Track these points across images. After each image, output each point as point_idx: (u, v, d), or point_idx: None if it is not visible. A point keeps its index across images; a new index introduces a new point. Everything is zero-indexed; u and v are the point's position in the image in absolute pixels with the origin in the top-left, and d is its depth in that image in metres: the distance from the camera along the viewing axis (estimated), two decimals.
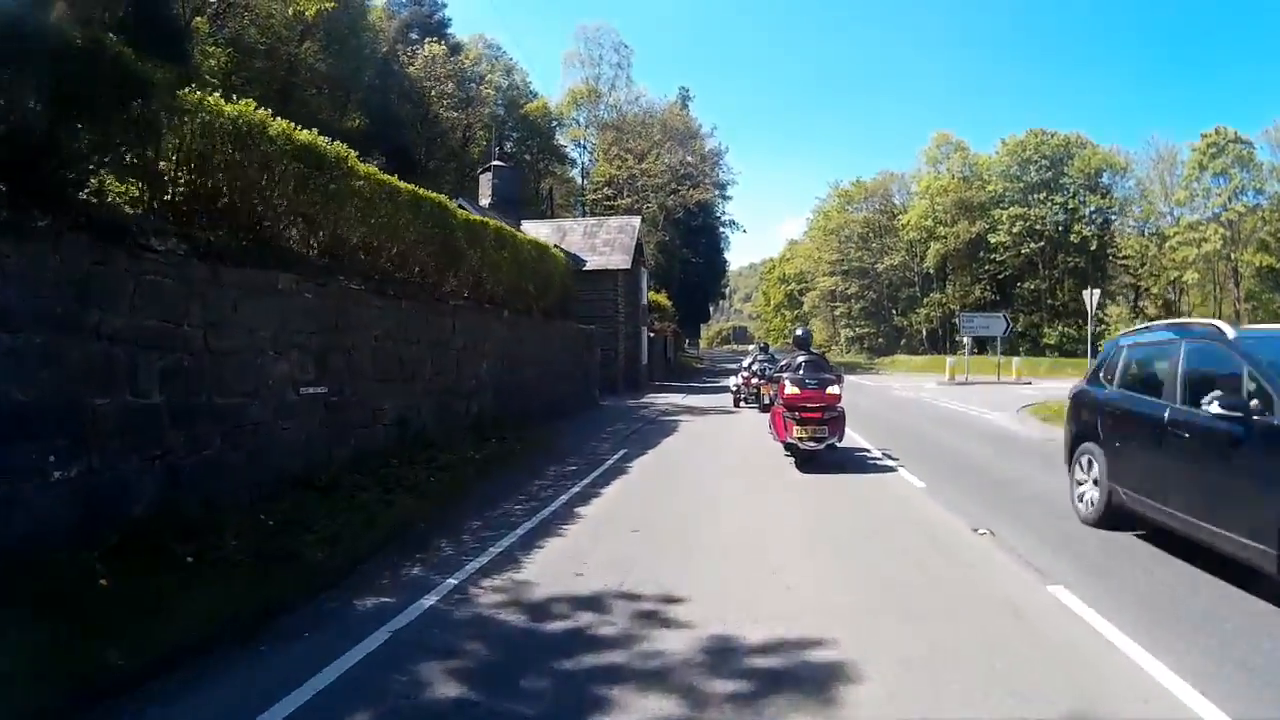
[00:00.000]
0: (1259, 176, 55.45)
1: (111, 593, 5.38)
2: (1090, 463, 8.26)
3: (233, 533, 6.93)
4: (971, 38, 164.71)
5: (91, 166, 6.70)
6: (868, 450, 14.19)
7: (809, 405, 11.90)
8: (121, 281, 6.69)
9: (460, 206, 16.64)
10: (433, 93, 47.78)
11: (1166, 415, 6.81)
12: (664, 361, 46.40)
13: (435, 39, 49.36)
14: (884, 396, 30.04)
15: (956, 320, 68.30)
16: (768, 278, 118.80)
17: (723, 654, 4.91)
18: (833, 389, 12.15)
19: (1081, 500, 8.44)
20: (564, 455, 13.82)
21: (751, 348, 29.08)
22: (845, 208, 77.60)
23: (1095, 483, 8.10)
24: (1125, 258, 60.09)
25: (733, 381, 26.09)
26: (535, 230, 35.31)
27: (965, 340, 40.37)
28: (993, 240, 64.30)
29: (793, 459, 12.40)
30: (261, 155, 8.78)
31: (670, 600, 5.90)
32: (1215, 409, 5.90)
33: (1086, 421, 8.64)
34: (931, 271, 69.20)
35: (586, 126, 61.77)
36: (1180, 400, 6.79)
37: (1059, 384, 36.86)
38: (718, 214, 64.46)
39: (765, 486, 10.91)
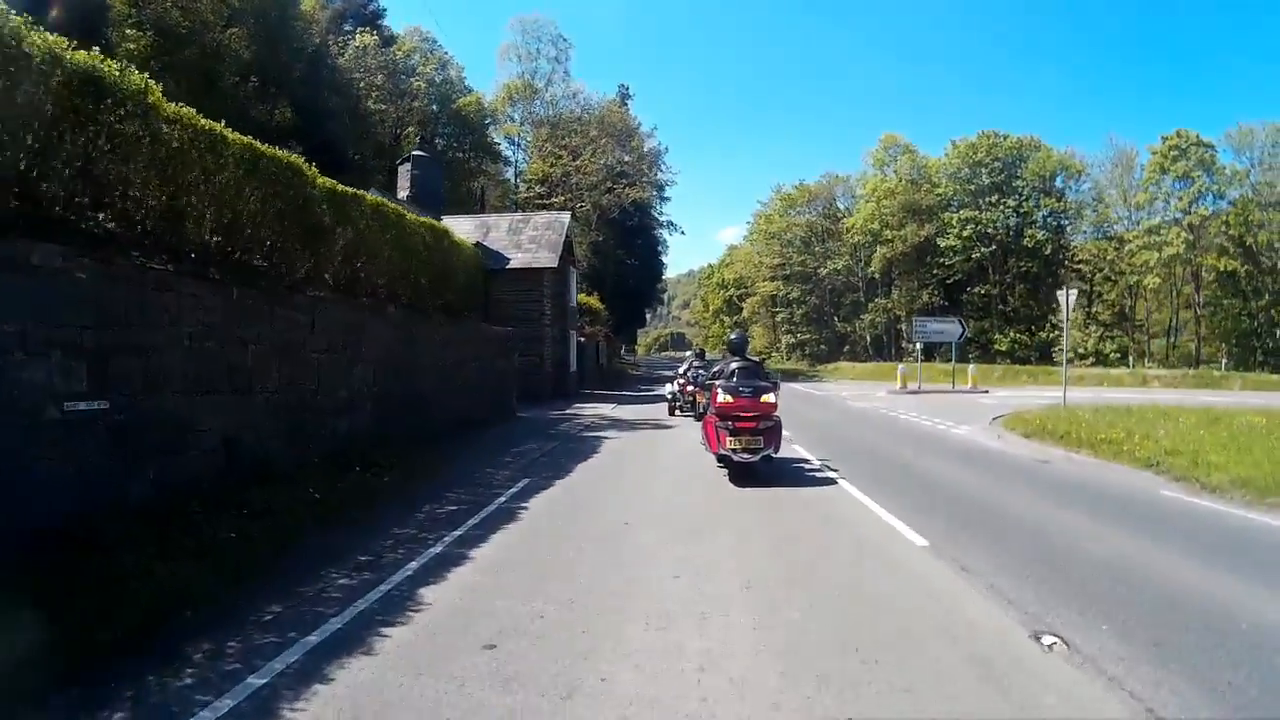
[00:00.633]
0: (1220, 180, 54.39)
1: None
2: None
3: None
4: (920, 41, 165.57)
5: None
6: (833, 479, 11.55)
7: (743, 414, 11.22)
8: None
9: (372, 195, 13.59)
10: (361, 84, 45.40)
11: None
12: (597, 368, 43.51)
13: (368, 29, 47.01)
14: (835, 407, 27.41)
15: (903, 326, 67.46)
16: (706, 283, 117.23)
17: None
18: (768, 397, 11.48)
19: None
20: (447, 489, 10.72)
21: (687, 354, 26.74)
22: (788, 211, 75.33)
23: None
24: (1081, 262, 58.59)
25: (668, 389, 24.65)
26: (457, 225, 32.41)
27: (917, 347, 37.99)
28: (942, 244, 62.38)
29: (727, 472, 11.54)
30: None
31: None
32: None
33: None
34: (877, 276, 67.06)
35: (522, 123, 58.69)
36: None
37: (1017, 393, 35.01)
38: (655, 215, 61.77)
39: (701, 535, 8.10)
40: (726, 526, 8.46)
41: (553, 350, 31.38)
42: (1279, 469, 10.60)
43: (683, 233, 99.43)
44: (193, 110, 8.93)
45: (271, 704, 4.28)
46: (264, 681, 4.53)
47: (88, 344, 7.22)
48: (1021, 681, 4.55)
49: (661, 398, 26.04)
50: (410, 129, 49.26)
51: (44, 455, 6.70)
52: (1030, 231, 61.21)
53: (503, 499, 10.01)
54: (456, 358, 17.72)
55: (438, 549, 7.55)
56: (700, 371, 20.46)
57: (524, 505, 9.65)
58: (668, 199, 63.07)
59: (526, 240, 32.03)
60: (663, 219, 63.22)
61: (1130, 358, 56.04)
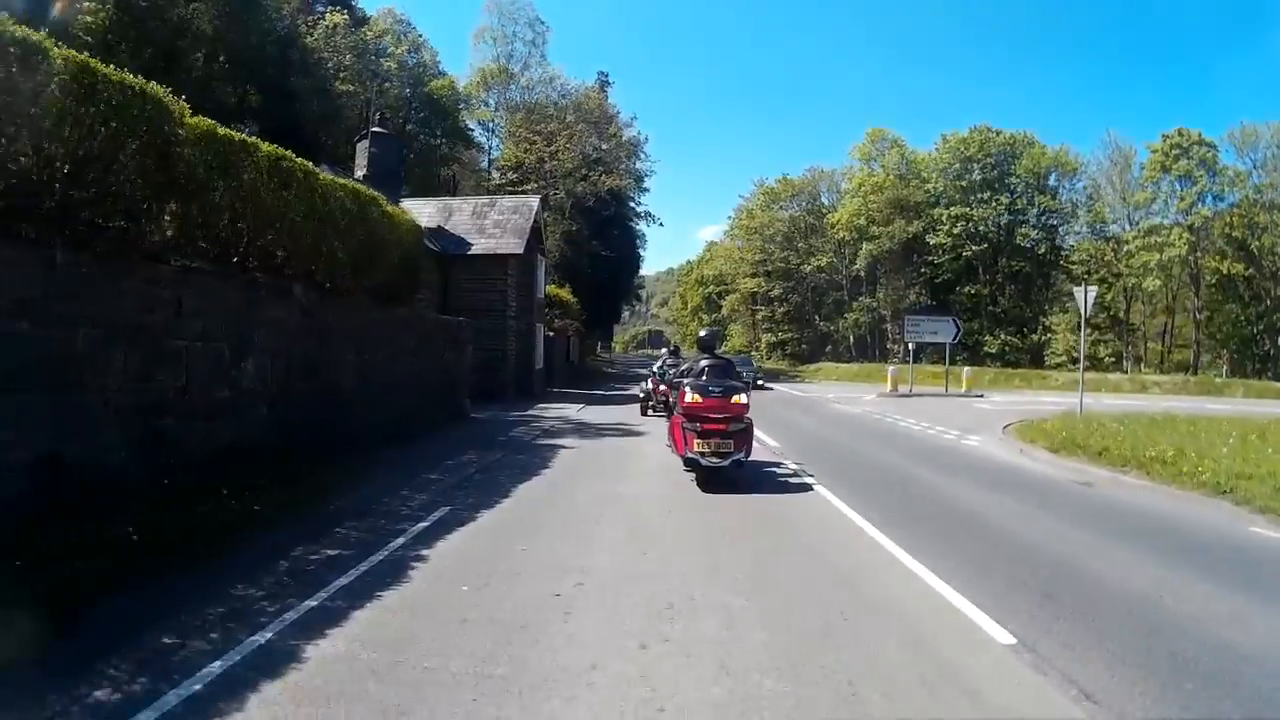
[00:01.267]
0: (1222, 180, 52.25)
1: None
2: None
3: None
4: (909, 36, 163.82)
5: None
6: (848, 517, 8.97)
7: (712, 415, 10.52)
8: None
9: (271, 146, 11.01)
10: (330, 65, 43.04)
11: None
12: (567, 365, 41.07)
13: (339, 8, 44.73)
14: (823, 412, 25.00)
15: (888, 326, 65.36)
16: (685, 280, 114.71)
17: None
18: (739, 397, 10.79)
19: None
20: (337, 522, 8.10)
21: (662, 351, 24.76)
22: (770, 205, 72.80)
23: None
24: (1076, 262, 56.45)
25: (640, 389, 23.68)
26: (418, 209, 30.14)
27: (910, 346, 35.54)
28: (931, 241, 60.01)
29: (694, 478, 10.75)
30: None
31: None
32: None
33: None
34: (862, 274, 64.51)
35: (496, 109, 56.04)
36: None
37: (1015, 398, 32.79)
38: (633, 205, 59.05)
39: (673, 616, 5.46)
40: (711, 604, 5.78)
41: (517, 345, 28.98)
42: None
43: (661, 224, 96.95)
44: None
45: None
46: None
47: None
48: None
49: (635, 397, 24.30)
50: (381, 113, 46.78)
51: None
52: (1023, 230, 59.06)
53: (402, 540, 7.43)
54: (390, 351, 15.14)
55: (267, 635, 4.96)
56: (670, 369, 18.45)
57: (425, 552, 7.05)
58: (646, 190, 60.52)
59: (491, 225, 29.59)
60: (640, 210, 60.68)
61: (1125, 362, 54.01)
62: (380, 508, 8.93)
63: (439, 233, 28.75)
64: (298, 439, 11.30)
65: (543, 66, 54.95)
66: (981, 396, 32.82)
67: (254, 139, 10.70)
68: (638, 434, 17.12)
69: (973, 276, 60.46)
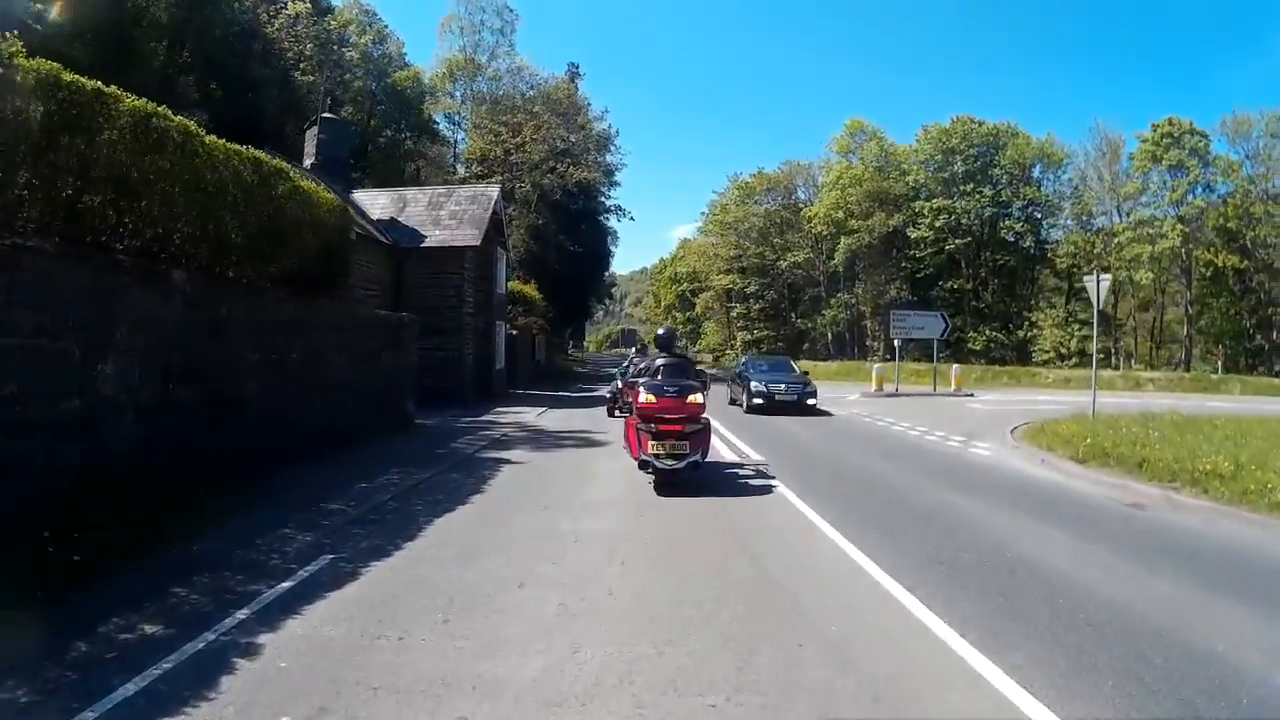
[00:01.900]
0: (1215, 170, 50.59)
1: None
2: None
3: None
4: (888, 27, 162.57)
5: None
6: (855, 562, 6.93)
7: (667, 416, 10.07)
8: None
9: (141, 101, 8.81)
10: (290, 54, 40.80)
11: None
12: (533, 365, 38.81)
13: None
14: (806, 414, 22.89)
15: (867, 323, 63.48)
16: (659, 278, 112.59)
17: None
18: (695, 397, 10.37)
19: None
20: (176, 580, 5.92)
21: (630, 351, 23.09)
22: (746, 200, 70.50)
23: None
24: (1063, 256, 54.66)
25: (608, 389, 22.82)
26: (370, 200, 28.27)
27: (896, 343, 33.39)
28: (912, 235, 57.85)
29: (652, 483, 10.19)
30: None
31: None
32: None
33: None
34: (840, 269, 62.25)
35: (463, 101, 53.65)
36: None
37: (1008, 397, 30.91)
38: (603, 199, 56.73)
39: None
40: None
41: (475, 344, 26.86)
42: None
43: (632, 218, 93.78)
44: None
45: None
46: None
47: None
48: None
49: (603, 399, 22.79)
50: (332, 98, 44.79)
51: None
52: (1007, 223, 57.16)
53: (244, 615, 5.24)
54: (308, 349, 12.89)
55: None
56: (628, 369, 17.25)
57: (262, 639, 4.83)
58: (617, 184, 58.24)
59: (447, 216, 27.45)
60: (611, 204, 58.39)
61: (1114, 359, 52.35)
62: (245, 555, 6.77)
63: (392, 224, 26.65)
64: (174, 458, 9.10)
65: (510, 57, 52.40)
66: (972, 395, 30.89)
67: (114, 89, 8.49)
68: (599, 444, 15.00)
69: (955, 271, 58.50)
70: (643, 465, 10.18)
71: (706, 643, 4.91)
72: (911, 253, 58.45)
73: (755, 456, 13.12)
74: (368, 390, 15.34)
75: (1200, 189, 50.84)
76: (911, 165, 60.77)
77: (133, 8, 29.59)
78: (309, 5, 42.30)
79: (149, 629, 4.98)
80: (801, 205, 67.83)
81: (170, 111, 9.53)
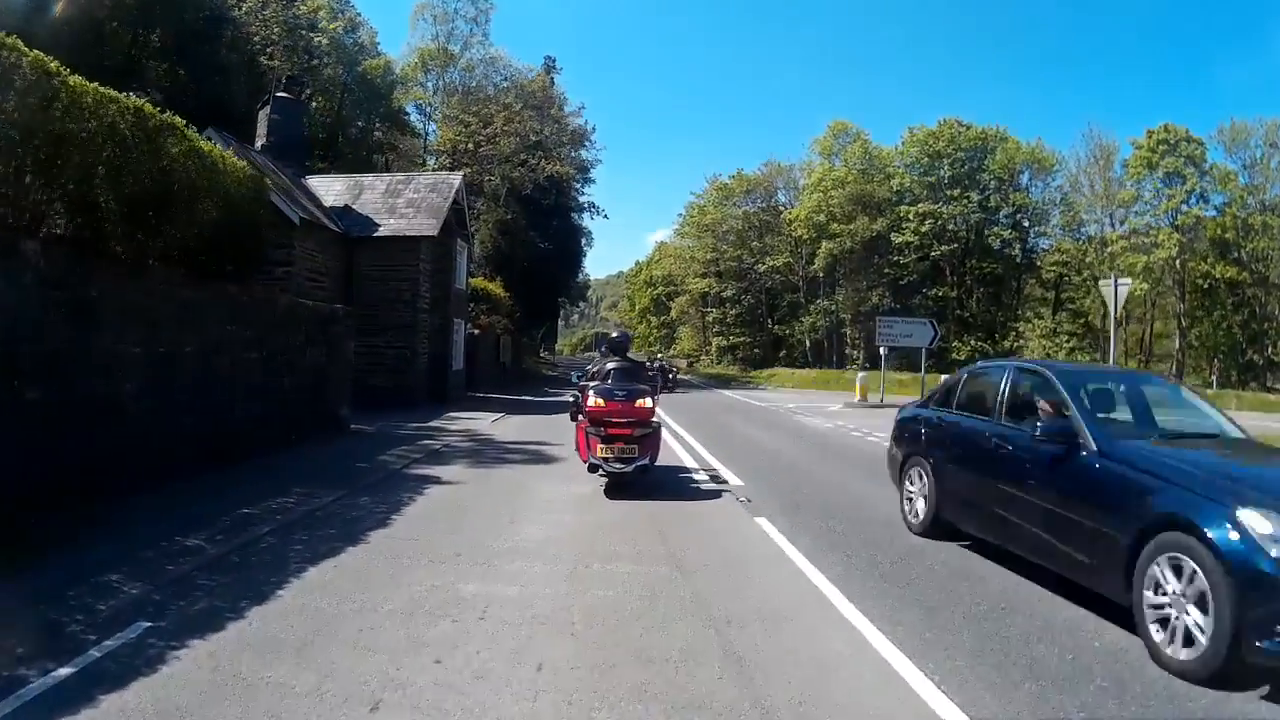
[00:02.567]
0: (1213, 179, 49.17)
1: None
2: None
3: None
4: (871, 31, 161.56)
5: None
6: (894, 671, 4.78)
7: (615, 420, 9.91)
8: None
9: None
10: (256, 38, 39.13)
11: None
12: (497, 367, 36.76)
13: None
14: (786, 426, 21.07)
15: (847, 331, 61.62)
16: (633, 281, 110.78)
17: None
18: (644, 401, 10.22)
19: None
20: None
21: (596, 354, 21.43)
22: (724, 202, 68.37)
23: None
24: (1053, 265, 53.15)
25: (571, 394, 19.09)
26: (324, 186, 26.35)
27: (883, 351, 31.49)
28: (896, 240, 55.91)
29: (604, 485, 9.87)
30: None
31: None
32: None
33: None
34: (820, 275, 60.27)
35: (435, 92, 51.60)
36: None
37: None
38: (576, 195, 54.62)
39: None
40: None
41: (430, 342, 25.00)
42: None
43: (606, 216, 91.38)
44: None
45: None
46: None
47: None
48: None
49: (568, 404, 20.34)
50: (318, 98, 43.49)
51: None
52: (995, 230, 55.47)
53: None
54: (208, 343, 10.89)
55: None
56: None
57: None
58: (592, 180, 56.38)
59: (404, 205, 25.66)
60: (584, 200, 56.41)
61: None
62: (42, 613, 4.98)
63: (346, 212, 24.79)
64: (14, 474, 7.20)
65: (485, 47, 50.37)
66: None
67: None
68: (549, 459, 13.11)
69: (940, 279, 56.64)
70: (592, 468, 10.08)
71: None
72: (895, 258, 56.63)
73: (735, 480, 11.21)
74: (290, 391, 13.37)
75: (1195, 198, 49.54)
76: (896, 169, 59.03)
77: None
78: None
79: None
80: (782, 208, 66.02)
81: (22, 43, 7.65)
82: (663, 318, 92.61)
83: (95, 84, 8.71)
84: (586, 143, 52.97)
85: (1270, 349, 48.31)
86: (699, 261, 70.74)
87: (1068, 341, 49.85)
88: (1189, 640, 4.59)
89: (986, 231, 56.06)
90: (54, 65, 8.00)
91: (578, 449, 10.41)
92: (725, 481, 11.18)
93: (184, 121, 10.35)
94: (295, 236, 20.08)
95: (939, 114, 75.16)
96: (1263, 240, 47.04)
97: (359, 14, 48.31)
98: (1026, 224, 56.95)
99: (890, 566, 6.87)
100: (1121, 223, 51.74)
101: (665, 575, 6.48)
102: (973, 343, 52.36)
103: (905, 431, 8.89)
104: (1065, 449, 5.98)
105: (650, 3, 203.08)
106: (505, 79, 49.94)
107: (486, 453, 13.74)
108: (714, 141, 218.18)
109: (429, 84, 52.01)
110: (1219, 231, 48.55)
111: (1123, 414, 6.84)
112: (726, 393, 37.71)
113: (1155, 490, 5.16)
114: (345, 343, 15.95)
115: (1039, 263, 56.07)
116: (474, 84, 49.87)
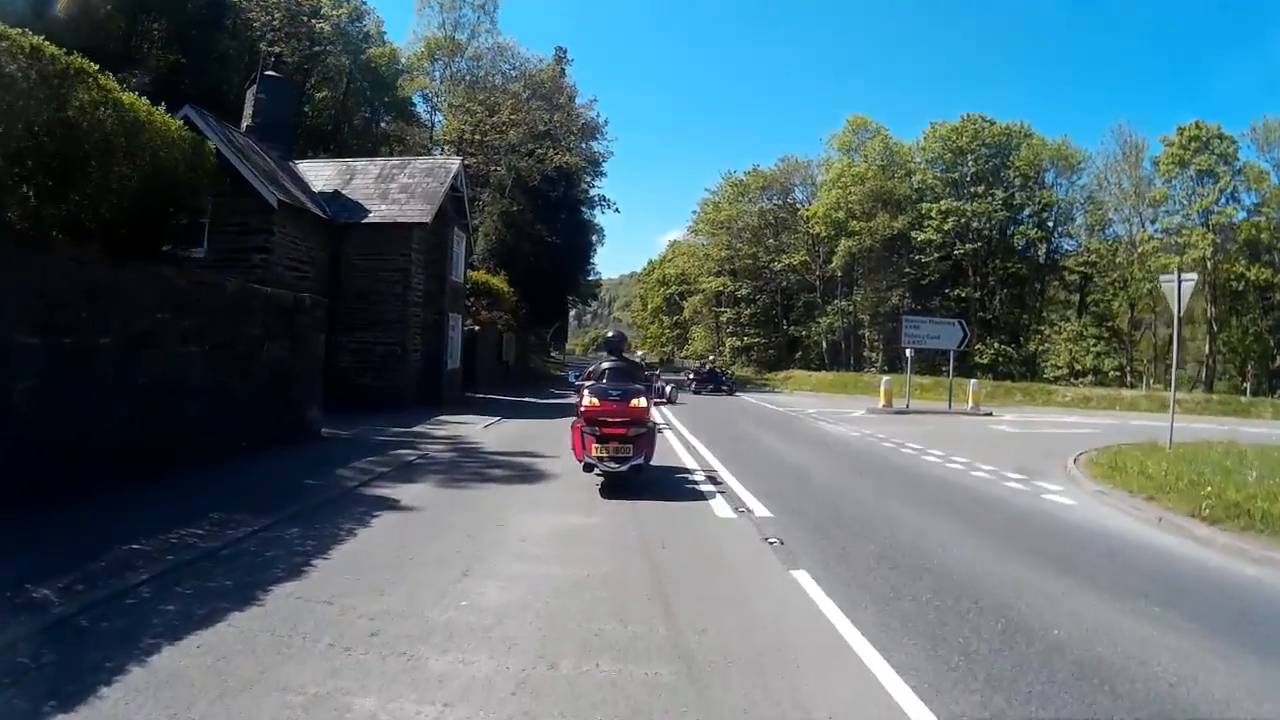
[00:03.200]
0: (1246, 178, 47.13)
1: None
2: None
3: None
4: (893, 26, 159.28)
5: None
6: None
7: (610, 420, 9.84)
8: None
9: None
10: (257, 24, 38.09)
11: None
12: (499, 366, 34.99)
13: None
14: (806, 434, 19.20)
15: (865, 332, 59.60)
16: (646, 281, 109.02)
17: None
18: (638, 401, 10.13)
19: None
20: None
21: (602, 353, 19.83)
22: (739, 199, 66.27)
23: None
24: (1081, 265, 51.09)
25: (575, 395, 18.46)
26: (314, 171, 24.70)
27: (908, 354, 29.43)
28: (917, 239, 53.94)
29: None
30: None
31: None
32: None
33: None
34: (838, 274, 58.25)
35: (441, 82, 49.96)
36: None
37: (1030, 417, 27.19)
38: (586, 188, 52.95)
39: None
40: None
41: (423, 339, 23.35)
42: None
43: (617, 210, 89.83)
44: None
45: None
46: None
47: None
48: None
49: (572, 406, 18.88)
50: (324, 90, 43.06)
51: None
52: (1021, 228, 53.37)
53: None
54: (132, 334, 9.11)
55: None
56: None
57: None
58: (603, 174, 54.70)
59: (396, 190, 23.99)
60: (595, 194, 54.70)
61: (1128, 376, 48.69)
62: None
63: (335, 198, 23.13)
64: None
65: (493, 35, 48.70)
66: (991, 415, 27.22)
67: None
68: (539, 476, 11.26)
69: (962, 279, 54.63)
70: (587, 468, 10.01)
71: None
72: (916, 257, 54.62)
73: (763, 512, 8.91)
74: (237, 393, 11.56)
75: (1226, 199, 47.50)
76: (917, 165, 57.15)
77: None
78: None
79: None
80: (798, 206, 64.06)
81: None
82: (675, 317, 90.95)
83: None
84: (598, 135, 51.43)
85: None
86: (713, 259, 68.90)
87: (1095, 345, 47.88)
88: None
89: (1010, 230, 54.19)
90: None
91: (573, 448, 10.21)
92: (750, 510, 9.04)
93: (97, 67, 8.58)
94: (274, 221, 18.71)
95: (959, 111, 73.25)
96: None
97: (364, 1, 46.97)
98: (1051, 224, 55.01)
99: (1008, 667, 4.67)
100: (1152, 222, 49.93)
101: (667, 684, 4.25)
102: (996, 345, 50.40)
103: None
104: None
105: (661, 1, 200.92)
106: (514, 68, 48.54)
107: (466, 466, 11.89)
108: (727, 143, 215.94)
109: (435, 73, 50.42)
110: (1253, 232, 46.60)
111: None
112: (743, 396, 35.85)
113: None
114: (314, 336, 14.13)
115: (1063, 264, 54.21)
116: (481, 73, 48.26)
